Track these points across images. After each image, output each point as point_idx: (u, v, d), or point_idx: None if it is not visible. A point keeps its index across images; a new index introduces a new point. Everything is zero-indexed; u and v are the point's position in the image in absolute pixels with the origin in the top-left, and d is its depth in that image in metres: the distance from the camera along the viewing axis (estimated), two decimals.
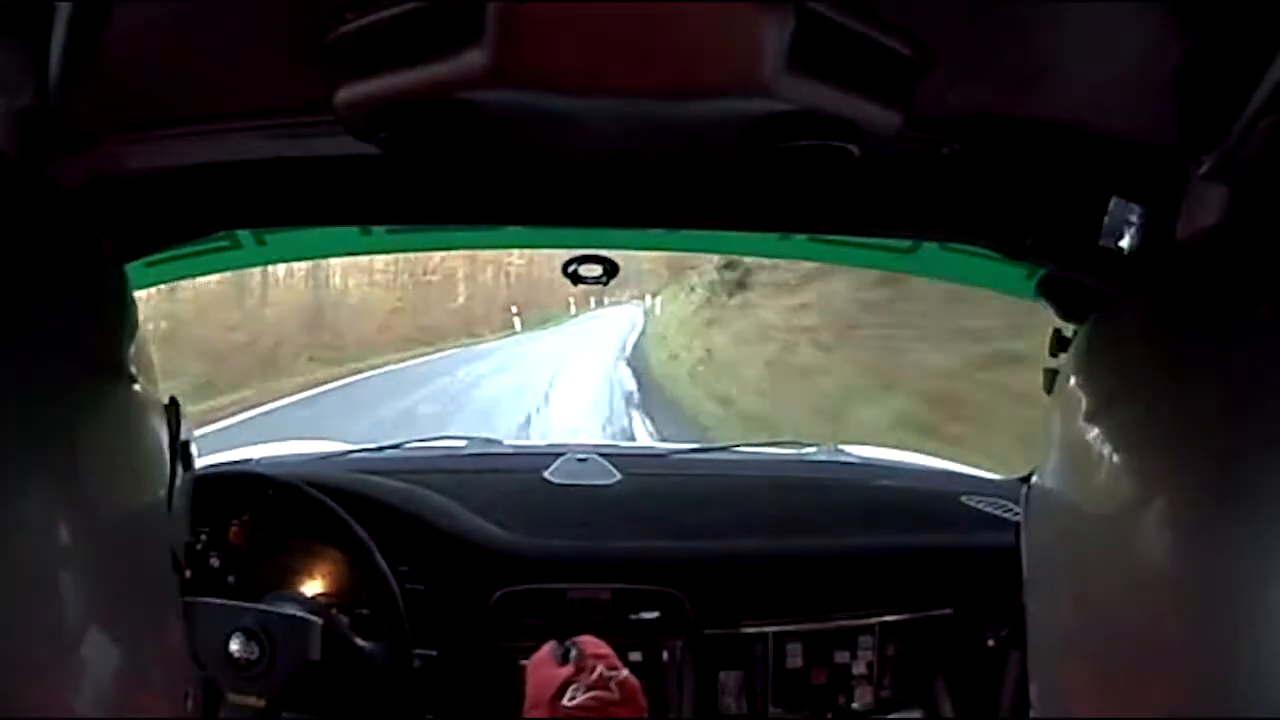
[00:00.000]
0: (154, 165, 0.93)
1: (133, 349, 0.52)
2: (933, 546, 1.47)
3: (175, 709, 0.55)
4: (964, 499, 1.57)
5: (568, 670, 0.92)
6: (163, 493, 0.54)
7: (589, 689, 0.89)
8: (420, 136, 0.74)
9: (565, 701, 0.89)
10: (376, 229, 1.22)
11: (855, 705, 1.40)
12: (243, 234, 1.17)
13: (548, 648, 0.98)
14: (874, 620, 1.40)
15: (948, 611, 1.42)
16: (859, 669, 1.40)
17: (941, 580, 1.43)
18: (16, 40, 0.51)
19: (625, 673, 0.92)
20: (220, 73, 0.75)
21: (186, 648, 0.60)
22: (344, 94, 0.70)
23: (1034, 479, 0.62)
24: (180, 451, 0.57)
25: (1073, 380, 0.56)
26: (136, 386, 0.51)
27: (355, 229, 1.20)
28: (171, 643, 0.56)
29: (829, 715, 1.40)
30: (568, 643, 0.97)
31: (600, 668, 0.91)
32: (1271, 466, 0.44)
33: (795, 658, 1.39)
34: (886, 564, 1.45)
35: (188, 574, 0.59)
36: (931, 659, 1.42)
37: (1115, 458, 0.51)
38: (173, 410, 0.58)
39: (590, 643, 0.96)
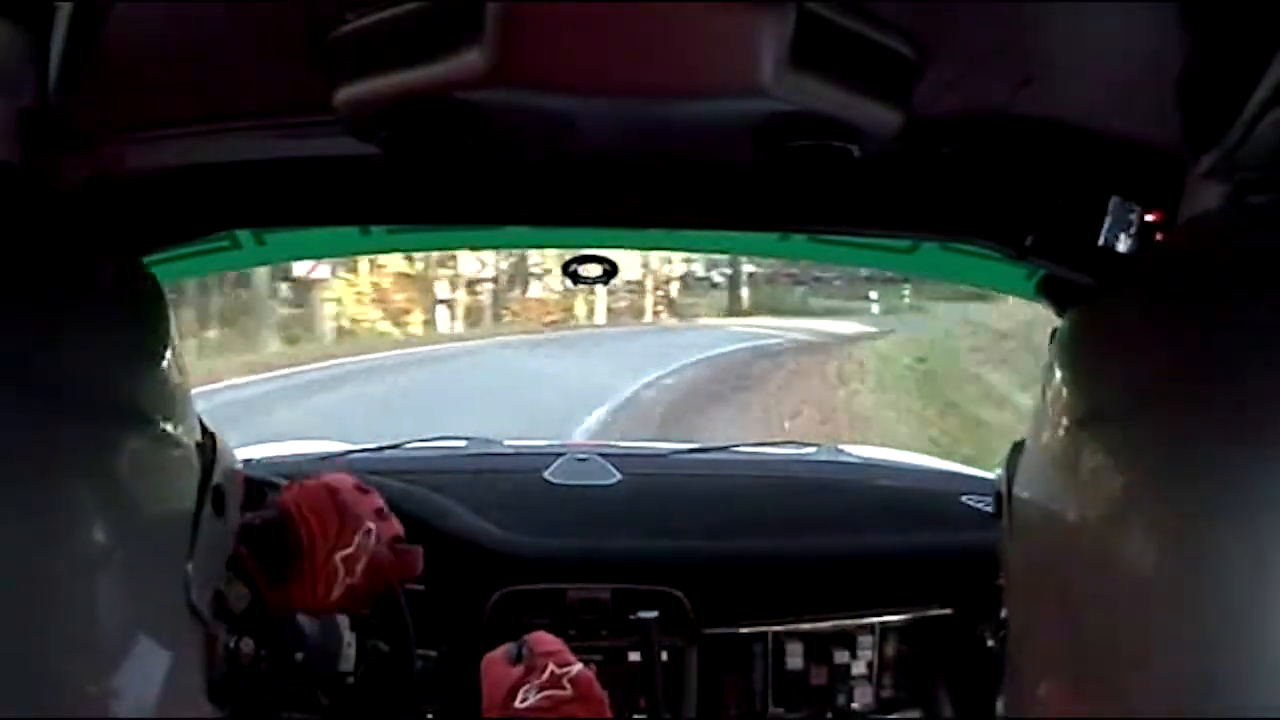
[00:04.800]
0: (154, 165, 0.93)
1: (162, 390, 0.51)
2: (933, 546, 1.47)
3: None
4: (964, 499, 1.57)
5: (519, 671, 0.91)
6: (179, 544, 0.52)
7: (541, 689, 0.88)
8: (420, 136, 0.74)
9: (518, 704, 0.88)
10: (376, 229, 1.22)
11: (855, 705, 1.40)
12: (243, 234, 1.17)
13: (500, 648, 0.97)
14: (874, 620, 1.40)
15: (948, 611, 1.42)
16: (859, 669, 1.40)
17: (941, 580, 1.43)
18: (17, 40, 0.51)
19: (578, 668, 0.91)
20: (220, 73, 0.75)
21: (200, 692, 0.59)
22: (344, 94, 0.70)
23: (1014, 484, 0.62)
24: (213, 495, 0.55)
25: (1052, 384, 0.56)
26: (157, 431, 0.50)
27: (355, 229, 1.20)
28: (184, 691, 0.55)
29: (829, 715, 1.40)
30: (520, 641, 0.96)
31: (551, 666, 0.90)
32: (1254, 473, 0.44)
33: (795, 658, 1.38)
34: (886, 564, 1.45)
35: (213, 620, 0.57)
36: (931, 659, 1.42)
37: (1096, 465, 0.51)
38: (208, 446, 0.56)
39: (541, 640, 0.95)
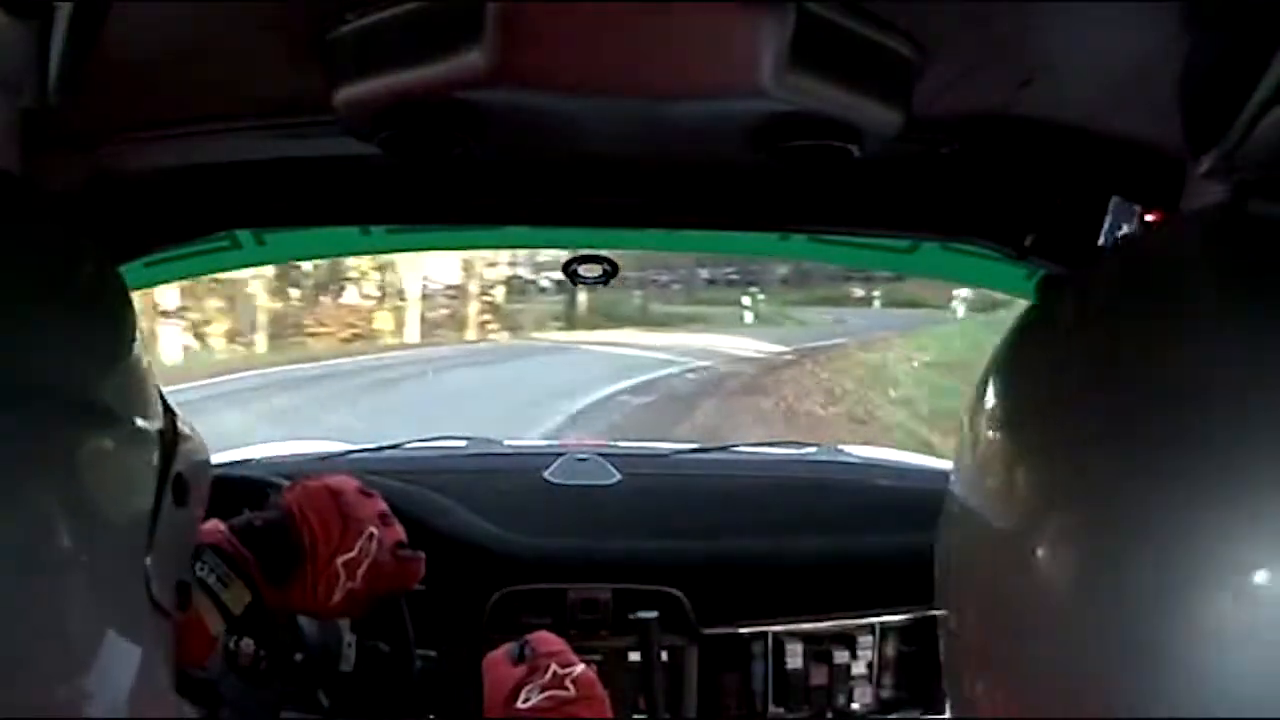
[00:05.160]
0: (154, 165, 0.93)
1: (117, 379, 0.51)
2: (933, 546, 1.47)
3: None
4: None
5: (521, 671, 0.91)
6: (139, 537, 0.52)
7: (544, 689, 0.89)
8: (420, 136, 0.74)
9: (520, 704, 0.88)
10: (376, 229, 1.22)
11: (855, 705, 1.40)
12: (243, 234, 1.17)
13: (503, 648, 0.97)
14: (874, 620, 1.40)
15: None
16: (859, 669, 1.40)
17: None
18: (18, 39, 0.51)
19: (580, 668, 0.91)
20: (220, 73, 0.75)
21: (168, 689, 0.58)
22: (344, 94, 0.70)
23: (950, 483, 0.62)
24: (174, 485, 0.54)
25: (989, 384, 0.57)
26: (113, 421, 0.50)
27: (355, 229, 1.21)
28: (152, 688, 0.54)
29: (829, 715, 1.40)
30: (522, 641, 0.95)
31: (554, 666, 0.90)
32: (1180, 475, 0.44)
33: (795, 658, 1.39)
34: (886, 564, 1.45)
35: (177, 612, 0.56)
36: (931, 659, 1.42)
37: (1024, 464, 0.51)
38: (169, 436, 0.55)
39: (544, 640, 0.95)
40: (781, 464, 1.83)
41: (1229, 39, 0.57)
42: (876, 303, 14.63)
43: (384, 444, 1.75)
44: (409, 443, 1.80)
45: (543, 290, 14.12)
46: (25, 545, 0.45)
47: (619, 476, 1.58)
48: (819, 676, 1.39)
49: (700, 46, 0.64)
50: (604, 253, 1.30)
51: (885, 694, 1.41)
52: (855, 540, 1.48)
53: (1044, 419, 0.51)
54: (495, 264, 13.38)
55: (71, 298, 0.52)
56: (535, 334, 13.88)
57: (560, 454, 1.63)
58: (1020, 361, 0.57)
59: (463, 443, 1.83)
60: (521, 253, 11.68)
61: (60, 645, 0.47)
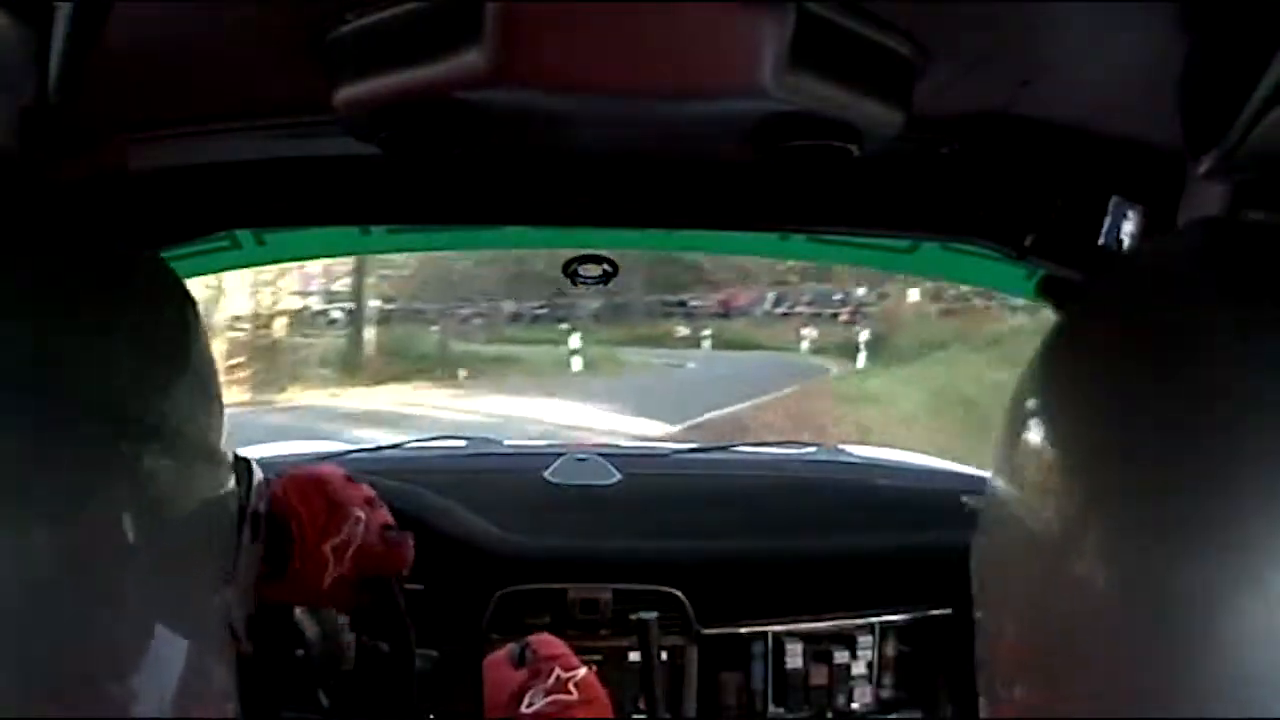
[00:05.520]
0: (154, 165, 0.93)
1: (200, 406, 0.51)
2: (933, 546, 1.47)
3: None
4: (964, 499, 1.57)
5: (523, 675, 0.91)
6: (222, 568, 0.52)
7: (547, 694, 0.89)
8: (420, 136, 0.74)
9: (524, 708, 0.88)
10: (376, 229, 1.22)
11: (855, 705, 1.40)
12: (243, 234, 1.17)
13: (503, 650, 0.97)
14: (874, 620, 1.40)
15: (948, 611, 1.42)
16: (859, 669, 1.40)
17: (941, 580, 1.43)
18: (18, 39, 0.51)
19: (583, 671, 0.92)
20: (221, 73, 0.75)
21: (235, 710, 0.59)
22: (344, 94, 0.70)
23: (988, 489, 0.62)
24: (251, 519, 0.55)
25: (1030, 390, 0.57)
26: (197, 450, 0.50)
27: (355, 229, 1.21)
28: (221, 708, 0.55)
29: (829, 715, 1.40)
30: (523, 643, 0.95)
31: (557, 670, 0.90)
32: (1227, 479, 0.44)
33: (795, 658, 1.39)
34: (886, 564, 1.45)
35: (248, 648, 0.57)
36: (931, 659, 1.42)
37: (1070, 469, 0.51)
38: (242, 469, 0.56)
39: (545, 643, 0.95)
40: (781, 464, 1.83)
41: (1229, 39, 0.57)
42: (706, 344, 11.88)
43: (384, 444, 1.75)
44: (409, 443, 1.80)
45: (332, 322, 11.67)
46: (123, 574, 0.45)
47: (619, 476, 1.58)
48: (819, 676, 1.39)
49: (700, 46, 0.64)
50: (603, 252, 1.30)
51: (885, 694, 1.41)
52: (855, 540, 1.48)
53: (1090, 424, 0.51)
54: (277, 292, 10.80)
55: (166, 333, 0.52)
56: (289, 393, 9.81)
57: (560, 454, 1.63)
58: (1062, 367, 0.57)
59: (462, 443, 1.83)
60: (315, 281, 10.51)
61: (146, 674, 0.47)
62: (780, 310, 12.03)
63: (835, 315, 11.29)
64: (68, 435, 0.43)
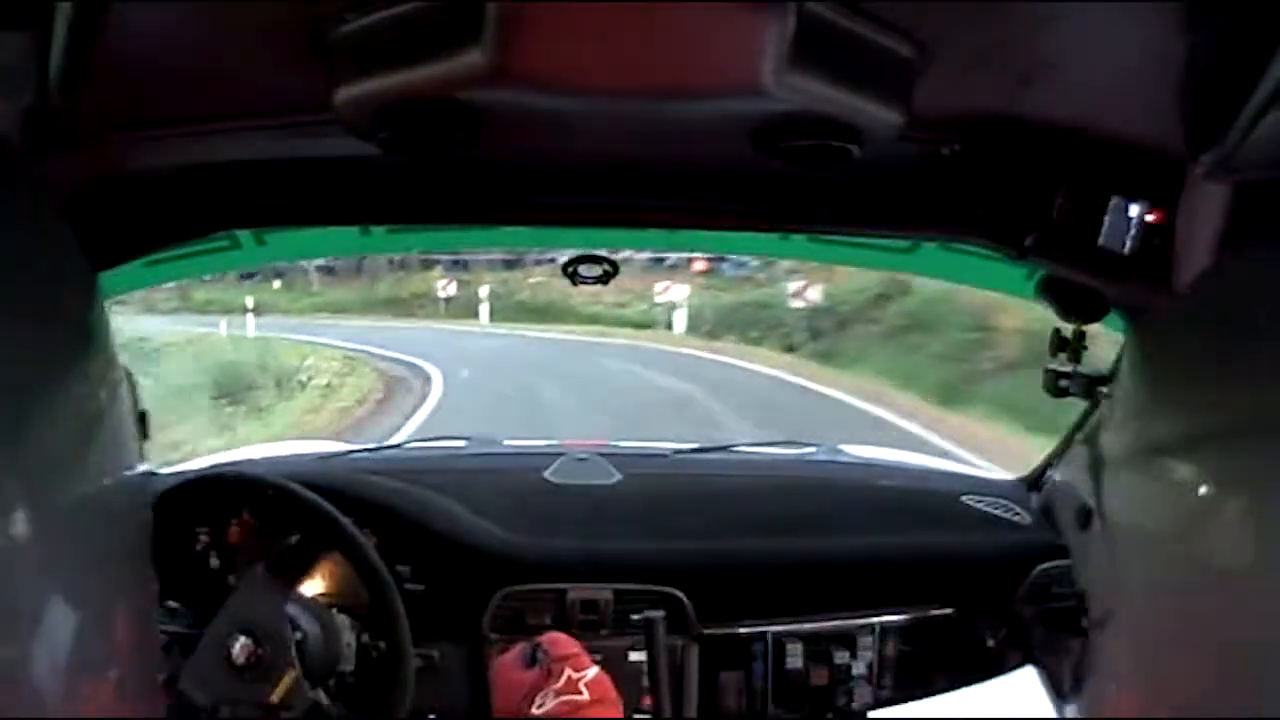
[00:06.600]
0: (154, 165, 0.93)
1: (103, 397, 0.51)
2: (933, 546, 1.47)
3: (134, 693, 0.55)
4: (964, 499, 1.56)
5: (535, 675, 0.91)
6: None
7: (559, 695, 0.89)
8: (420, 136, 0.74)
9: (535, 709, 0.88)
10: (376, 229, 1.22)
11: (855, 705, 1.40)
12: (243, 234, 1.17)
13: (515, 650, 0.97)
14: (874, 620, 1.40)
15: (948, 611, 1.42)
16: (859, 669, 1.40)
17: (941, 580, 1.43)
18: (18, 39, 0.51)
19: (594, 671, 0.92)
20: (220, 73, 0.75)
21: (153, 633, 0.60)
22: (344, 94, 0.70)
23: (1095, 501, 0.62)
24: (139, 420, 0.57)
25: (1125, 397, 0.57)
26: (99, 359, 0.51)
27: (355, 229, 1.21)
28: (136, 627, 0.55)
29: (829, 715, 1.39)
30: (534, 643, 0.95)
31: (568, 670, 0.90)
32: None
33: (795, 658, 1.38)
34: (886, 564, 1.45)
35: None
36: (931, 659, 1.42)
37: (1173, 463, 0.51)
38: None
39: (557, 643, 0.95)
40: (781, 464, 1.83)
41: (1229, 39, 0.57)
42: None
43: (384, 444, 1.75)
44: (409, 443, 1.80)
45: None
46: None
47: (619, 476, 1.58)
48: (819, 676, 1.39)
49: (701, 46, 0.64)
50: (601, 252, 1.30)
51: (885, 694, 1.41)
52: (855, 540, 1.48)
53: (1186, 419, 0.51)
54: None
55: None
56: None
57: (560, 454, 1.63)
58: (1154, 365, 0.57)
59: (463, 443, 1.83)
60: None
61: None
62: None
63: None
64: None
